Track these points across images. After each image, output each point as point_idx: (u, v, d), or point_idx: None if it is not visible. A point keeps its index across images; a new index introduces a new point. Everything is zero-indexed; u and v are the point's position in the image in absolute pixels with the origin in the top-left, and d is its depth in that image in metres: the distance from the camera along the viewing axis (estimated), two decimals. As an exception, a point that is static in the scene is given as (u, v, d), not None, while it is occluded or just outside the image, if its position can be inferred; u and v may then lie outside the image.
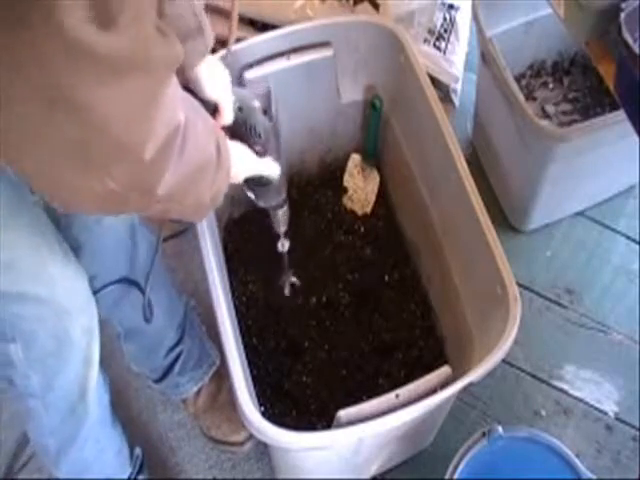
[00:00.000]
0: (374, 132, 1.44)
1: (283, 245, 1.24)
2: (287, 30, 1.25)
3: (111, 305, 1.17)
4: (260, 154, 1.00)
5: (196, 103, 0.78)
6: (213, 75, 0.95)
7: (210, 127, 0.77)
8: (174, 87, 0.65)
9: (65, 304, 0.94)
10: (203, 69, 0.94)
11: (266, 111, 1.00)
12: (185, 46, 0.87)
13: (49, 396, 1.03)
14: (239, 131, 0.99)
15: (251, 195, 1.08)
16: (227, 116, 0.97)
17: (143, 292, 1.14)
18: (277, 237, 1.22)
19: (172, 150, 0.65)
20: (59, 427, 1.10)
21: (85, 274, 0.99)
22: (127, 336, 1.29)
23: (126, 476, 1.26)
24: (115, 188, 0.62)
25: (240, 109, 0.98)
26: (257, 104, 0.99)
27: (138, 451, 1.30)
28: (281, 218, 1.16)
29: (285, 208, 1.14)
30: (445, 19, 1.59)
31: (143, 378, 1.42)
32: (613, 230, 1.64)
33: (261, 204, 1.10)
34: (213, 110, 0.96)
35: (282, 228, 1.18)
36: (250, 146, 0.98)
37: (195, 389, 1.38)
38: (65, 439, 1.13)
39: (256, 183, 1.04)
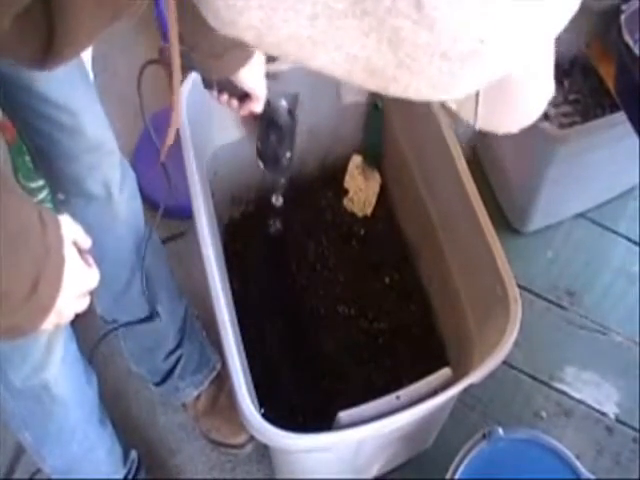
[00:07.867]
0: (376, 133, 1.44)
1: (277, 199, 1.29)
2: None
3: (111, 302, 1.17)
4: (276, 142, 1.12)
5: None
6: (250, 68, 1.01)
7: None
8: None
9: None
10: None
11: (291, 111, 1.12)
12: (224, 57, 0.94)
13: (9, 378, 0.99)
14: (263, 119, 1.12)
15: (260, 164, 1.18)
16: (258, 106, 1.08)
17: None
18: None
19: None
20: (30, 419, 1.07)
21: None
22: (126, 334, 1.28)
23: (121, 476, 1.25)
24: None
25: (268, 103, 1.09)
26: (284, 103, 1.11)
27: (134, 454, 1.29)
28: (280, 185, 1.25)
29: (284, 181, 1.24)
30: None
31: (143, 379, 1.42)
32: (613, 232, 1.64)
33: (268, 170, 1.19)
34: (243, 95, 1.05)
35: (278, 191, 1.27)
36: (268, 134, 1.10)
37: (195, 393, 1.37)
38: (40, 431, 1.10)
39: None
